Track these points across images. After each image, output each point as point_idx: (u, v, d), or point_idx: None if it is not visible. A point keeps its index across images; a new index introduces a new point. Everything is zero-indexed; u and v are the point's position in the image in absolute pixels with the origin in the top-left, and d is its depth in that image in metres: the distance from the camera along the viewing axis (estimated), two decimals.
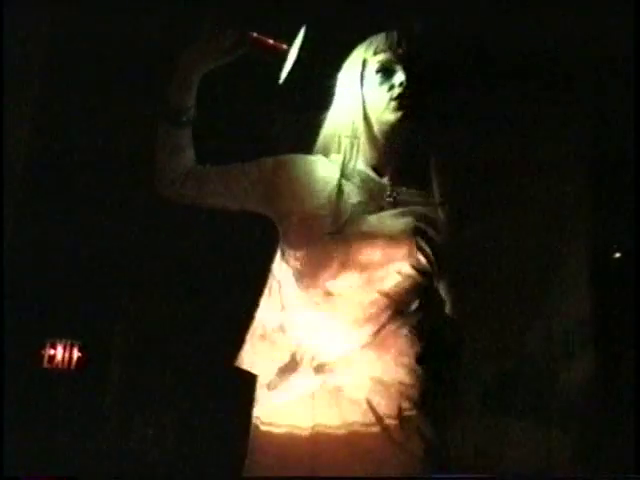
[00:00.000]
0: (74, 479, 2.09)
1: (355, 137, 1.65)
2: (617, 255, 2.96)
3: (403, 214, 1.59)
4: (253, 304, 1.67)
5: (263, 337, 1.63)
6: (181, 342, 2.93)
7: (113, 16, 2.40)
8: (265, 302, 1.66)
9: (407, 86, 1.59)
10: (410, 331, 1.54)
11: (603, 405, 2.60)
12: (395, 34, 1.65)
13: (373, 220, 1.58)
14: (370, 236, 1.57)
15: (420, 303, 1.56)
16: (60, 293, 2.90)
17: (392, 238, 1.56)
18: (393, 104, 1.60)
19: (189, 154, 1.69)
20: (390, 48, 1.63)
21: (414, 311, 1.56)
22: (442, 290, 1.59)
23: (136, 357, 2.95)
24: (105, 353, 2.95)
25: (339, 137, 1.68)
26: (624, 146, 2.72)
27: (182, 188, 1.68)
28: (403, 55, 1.62)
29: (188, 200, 1.71)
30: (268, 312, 1.65)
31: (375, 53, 1.63)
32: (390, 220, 1.58)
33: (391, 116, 1.60)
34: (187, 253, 2.86)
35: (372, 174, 1.66)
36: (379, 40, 1.65)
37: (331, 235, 1.56)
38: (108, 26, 2.43)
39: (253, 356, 1.63)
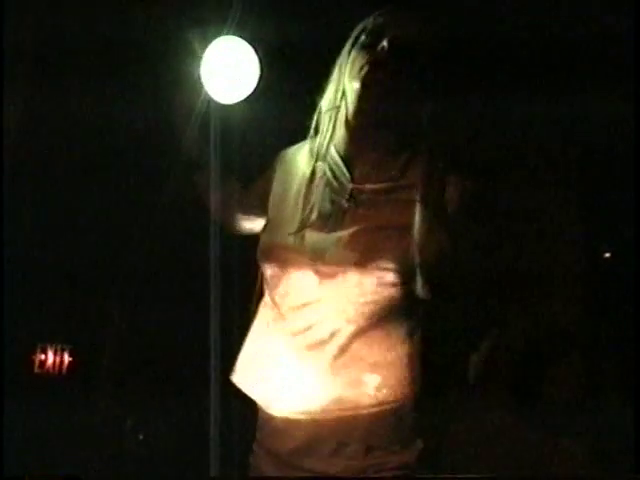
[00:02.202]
0: (76, 479, 2.09)
1: (334, 108, 1.48)
2: (607, 255, 2.97)
3: (360, 233, 1.43)
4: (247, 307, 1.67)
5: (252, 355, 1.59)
6: (173, 344, 2.92)
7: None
8: (255, 314, 1.62)
9: (388, 55, 1.40)
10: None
11: (600, 405, 2.61)
12: (403, 10, 1.49)
13: (328, 238, 1.45)
14: (328, 255, 1.45)
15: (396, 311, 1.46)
16: (49, 296, 2.88)
17: (350, 264, 1.42)
18: (366, 69, 1.42)
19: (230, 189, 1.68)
20: (391, 14, 1.48)
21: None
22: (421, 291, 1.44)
23: (128, 360, 2.93)
24: (96, 357, 2.93)
25: (320, 112, 1.53)
26: (616, 144, 2.72)
27: (242, 224, 1.70)
28: (398, 23, 1.45)
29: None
30: (256, 326, 1.61)
31: (374, 19, 1.48)
32: (346, 244, 1.43)
33: (357, 84, 1.42)
34: (181, 255, 2.84)
35: (338, 160, 1.49)
36: (386, 9, 1.49)
37: (294, 235, 1.45)
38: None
39: (245, 377, 1.60)
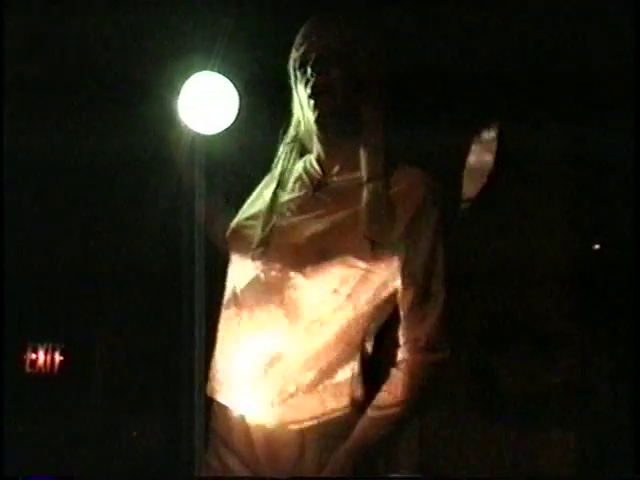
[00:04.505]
0: (70, 479, 2.13)
1: (294, 141, 1.57)
2: (597, 247, 2.95)
3: (324, 218, 1.45)
4: None
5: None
6: (164, 342, 2.94)
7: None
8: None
9: (318, 76, 1.45)
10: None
11: (596, 403, 2.63)
12: (312, 20, 1.52)
13: (294, 224, 1.48)
14: (281, 248, 1.46)
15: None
16: (41, 295, 2.90)
17: (299, 249, 1.44)
18: (311, 102, 1.47)
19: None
20: (306, 37, 1.50)
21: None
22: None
23: (119, 358, 2.96)
24: (87, 355, 2.96)
25: (284, 143, 1.59)
26: (607, 138, 2.71)
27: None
28: (316, 42, 1.47)
29: None
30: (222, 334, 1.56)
31: (296, 48, 1.51)
32: (299, 229, 1.45)
33: (312, 117, 1.48)
34: (171, 255, 2.85)
35: (314, 161, 1.56)
36: (300, 31, 1.52)
37: (255, 250, 1.47)
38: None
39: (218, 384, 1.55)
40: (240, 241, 1.54)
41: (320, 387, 1.42)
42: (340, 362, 1.43)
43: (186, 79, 1.60)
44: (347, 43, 1.49)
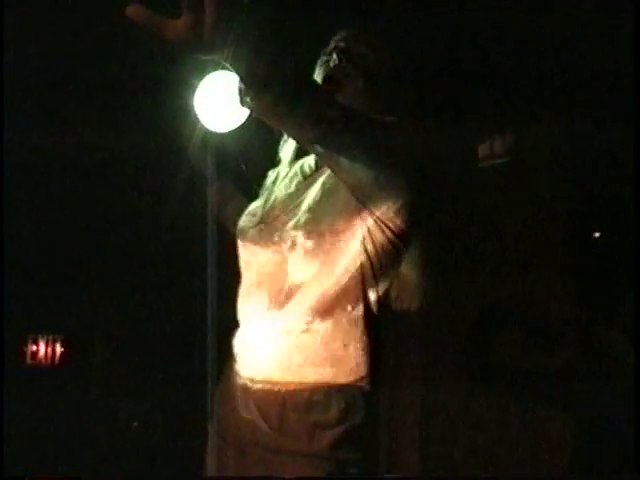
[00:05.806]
0: (77, 479, 2.15)
1: None
2: (597, 235, 2.98)
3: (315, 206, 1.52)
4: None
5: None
6: (164, 333, 2.96)
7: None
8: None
9: (338, 63, 1.57)
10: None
11: (596, 398, 2.67)
12: (354, 26, 1.65)
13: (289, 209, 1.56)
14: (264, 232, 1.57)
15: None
16: (41, 286, 2.91)
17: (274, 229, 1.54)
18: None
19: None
20: (346, 31, 1.64)
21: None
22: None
23: (119, 349, 2.98)
24: (88, 347, 2.98)
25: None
26: (606, 127, 2.74)
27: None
28: (349, 39, 1.60)
29: None
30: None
31: (334, 38, 1.65)
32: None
33: None
34: (170, 245, 2.87)
35: (311, 160, 1.65)
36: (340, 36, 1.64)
37: (254, 228, 1.60)
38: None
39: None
40: (244, 233, 1.64)
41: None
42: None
43: (202, 78, 1.64)
44: (373, 54, 1.60)
